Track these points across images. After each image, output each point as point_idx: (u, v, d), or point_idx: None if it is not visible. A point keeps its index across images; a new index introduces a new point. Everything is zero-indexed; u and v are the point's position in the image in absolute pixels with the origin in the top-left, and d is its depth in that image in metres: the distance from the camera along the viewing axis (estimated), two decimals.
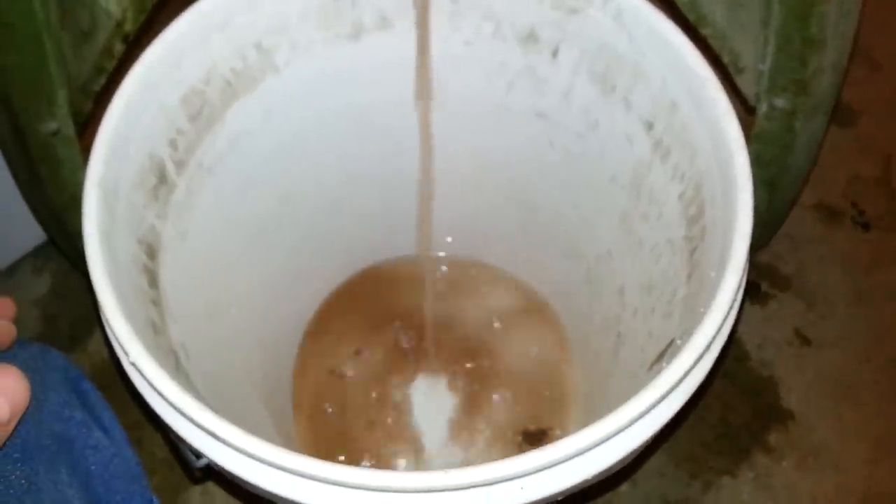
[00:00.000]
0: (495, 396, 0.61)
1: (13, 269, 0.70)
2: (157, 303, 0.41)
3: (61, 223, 0.55)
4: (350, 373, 0.63)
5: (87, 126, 0.50)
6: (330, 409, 0.61)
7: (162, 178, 0.44)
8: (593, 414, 0.52)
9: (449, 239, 0.65)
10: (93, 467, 0.30)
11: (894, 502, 0.60)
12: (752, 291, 0.69)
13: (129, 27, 0.44)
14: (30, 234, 0.69)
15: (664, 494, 0.60)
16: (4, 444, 0.26)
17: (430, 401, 0.61)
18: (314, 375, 0.62)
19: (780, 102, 0.50)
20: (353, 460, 0.58)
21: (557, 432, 0.60)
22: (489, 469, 0.31)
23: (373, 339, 0.64)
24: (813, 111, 0.52)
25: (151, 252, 0.42)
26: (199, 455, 0.36)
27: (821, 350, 0.66)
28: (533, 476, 0.32)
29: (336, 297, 0.65)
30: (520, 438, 0.59)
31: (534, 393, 0.61)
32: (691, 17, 0.46)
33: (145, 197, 0.42)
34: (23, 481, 0.27)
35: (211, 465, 0.35)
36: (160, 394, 0.33)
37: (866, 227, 0.72)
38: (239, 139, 0.49)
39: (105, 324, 0.36)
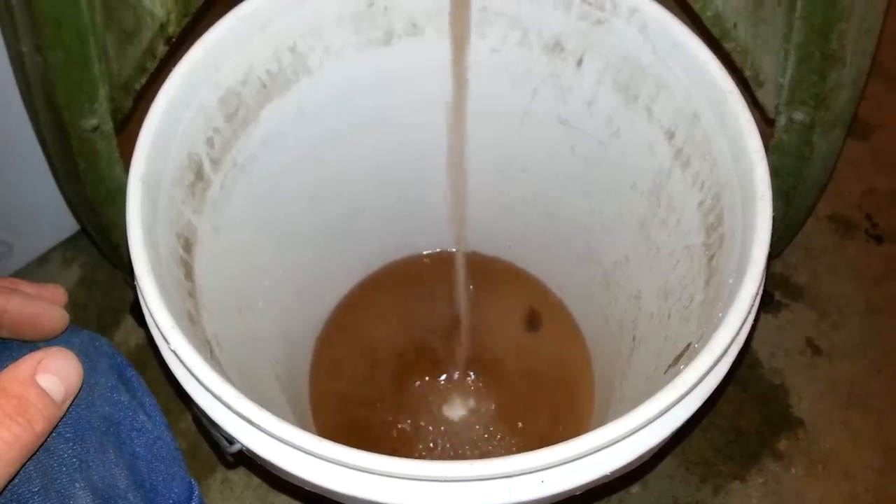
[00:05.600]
0: (511, 395, 0.62)
1: (43, 259, 0.72)
2: (192, 294, 0.42)
3: (96, 215, 0.56)
4: (368, 368, 0.64)
5: (125, 123, 0.52)
6: (347, 404, 0.62)
7: (199, 175, 0.45)
8: (608, 414, 0.54)
9: (471, 239, 0.66)
10: (138, 449, 0.31)
11: None
12: (766, 300, 0.69)
13: (172, 29, 0.45)
14: (60, 225, 0.71)
15: (674, 496, 0.61)
16: (58, 423, 0.28)
17: (449, 397, 0.62)
18: (333, 371, 0.64)
19: (798, 115, 0.51)
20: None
21: (572, 431, 0.61)
22: (512, 461, 0.32)
23: (392, 335, 0.65)
24: (831, 125, 0.53)
25: (188, 246, 0.44)
26: (231, 441, 0.37)
27: (832, 360, 0.67)
28: (554, 470, 0.34)
29: (358, 293, 0.67)
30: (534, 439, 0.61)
31: (548, 391, 0.63)
32: (715, 32, 0.47)
33: (183, 193, 0.44)
34: (74, 459, 0.29)
35: (243, 450, 0.37)
36: (199, 381, 0.35)
37: (879, 239, 0.73)
38: (271, 139, 0.50)
39: (146, 313, 0.37)
